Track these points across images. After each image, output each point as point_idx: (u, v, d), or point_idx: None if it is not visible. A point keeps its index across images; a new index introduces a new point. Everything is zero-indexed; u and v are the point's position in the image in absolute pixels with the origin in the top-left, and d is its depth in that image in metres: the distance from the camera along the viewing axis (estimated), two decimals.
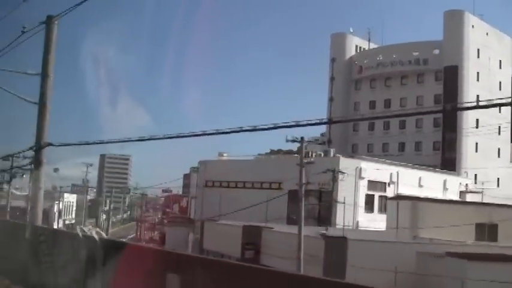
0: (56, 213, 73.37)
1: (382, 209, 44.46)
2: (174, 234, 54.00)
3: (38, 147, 12.77)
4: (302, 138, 22.72)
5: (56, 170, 59.59)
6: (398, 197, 31.26)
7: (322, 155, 44.81)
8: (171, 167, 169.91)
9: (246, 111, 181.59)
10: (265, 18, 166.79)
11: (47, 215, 69.47)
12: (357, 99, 63.65)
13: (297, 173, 41.89)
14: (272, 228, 26.78)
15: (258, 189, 46.10)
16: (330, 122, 62.46)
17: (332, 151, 45.14)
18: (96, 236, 10.60)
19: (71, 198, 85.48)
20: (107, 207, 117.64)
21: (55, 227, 70.80)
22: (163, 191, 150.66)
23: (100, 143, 12.57)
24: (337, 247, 20.30)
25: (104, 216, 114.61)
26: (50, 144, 12.82)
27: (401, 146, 59.85)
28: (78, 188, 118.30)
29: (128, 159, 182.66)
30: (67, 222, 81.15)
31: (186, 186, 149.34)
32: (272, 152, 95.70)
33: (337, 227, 35.99)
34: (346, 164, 40.62)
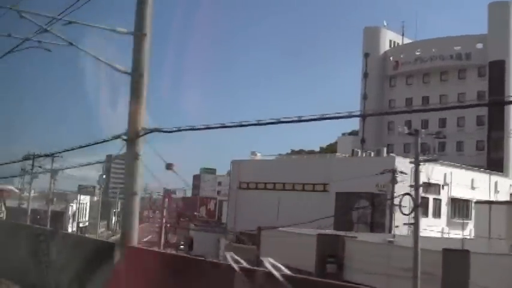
0: (70, 216, 70.06)
1: (436, 213, 41.16)
2: (202, 239, 50.68)
3: (135, 134, 9.07)
4: (417, 131, 18.89)
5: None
6: (489, 201, 27.81)
7: (372, 154, 41.46)
8: (178, 168, 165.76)
9: (255, 111, 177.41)
10: (281, 14, 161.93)
11: (61, 217, 66.18)
12: (392, 97, 60.27)
13: (345, 173, 38.81)
14: (355, 237, 23.34)
15: (300, 191, 42.75)
16: (362, 115, 59.15)
17: (384, 150, 41.73)
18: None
19: (84, 199, 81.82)
20: (118, 209, 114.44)
21: (69, 230, 67.50)
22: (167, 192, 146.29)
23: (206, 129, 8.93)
24: (458, 262, 16.87)
25: (115, 219, 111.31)
26: (157, 130, 9.12)
27: (442, 146, 56.32)
28: (85, 189, 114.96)
29: None
30: (81, 225, 77.82)
31: (195, 187, 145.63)
32: (293, 152, 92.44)
33: (395, 233, 32.58)
34: (401, 163, 37.20)
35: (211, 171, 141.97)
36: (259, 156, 49.09)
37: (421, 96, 57.85)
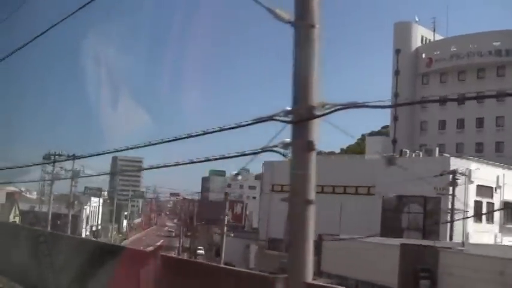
0: (84, 219, 67.09)
1: (490, 218, 38.22)
2: (231, 245, 47.62)
3: (308, 113, 5.96)
4: None
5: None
6: None
7: (421, 154, 38.49)
8: (184, 170, 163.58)
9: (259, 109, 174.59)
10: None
11: (75, 221, 63.04)
12: (425, 95, 57.31)
13: (393, 175, 35.82)
14: (450, 248, 20.38)
15: (340, 194, 39.77)
16: (393, 105, 56.01)
17: (436, 150, 38.79)
18: None
19: (97, 202, 78.73)
20: (128, 212, 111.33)
21: (82, 234, 64.51)
22: (171, 194, 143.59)
23: None
24: None
25: (126, 222, 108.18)
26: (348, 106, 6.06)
27: (479, 147, 53.55)
28: (92, 192, 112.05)
29: (140, 161, 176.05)
30: (93, 228, 74.79)
31: (205, 190, 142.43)
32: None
33: (464, 240, 29.58)
34: (455, 165, 34.27)
35: (221, 173, 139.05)
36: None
37: (457, 94, 54.91)
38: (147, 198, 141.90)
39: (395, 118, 57.31)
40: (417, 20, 59.66)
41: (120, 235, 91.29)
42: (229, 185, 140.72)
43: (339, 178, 39.22)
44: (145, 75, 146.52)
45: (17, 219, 50.71)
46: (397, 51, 58.44)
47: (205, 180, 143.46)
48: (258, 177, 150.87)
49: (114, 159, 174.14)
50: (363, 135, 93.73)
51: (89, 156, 14.09)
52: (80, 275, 10.56)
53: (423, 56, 58.18)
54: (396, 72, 58.36)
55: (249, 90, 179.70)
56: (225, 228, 45.86)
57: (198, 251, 68.16)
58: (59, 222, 44.05)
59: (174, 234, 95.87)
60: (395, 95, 57.91)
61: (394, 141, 56.68)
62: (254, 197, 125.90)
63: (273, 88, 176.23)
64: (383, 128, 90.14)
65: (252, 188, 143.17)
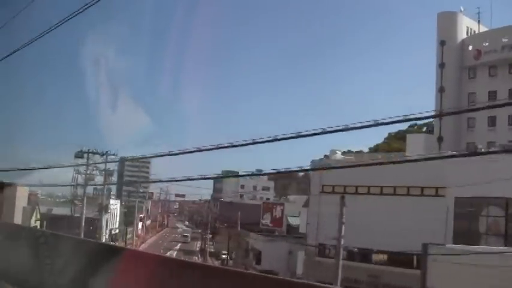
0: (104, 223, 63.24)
1: None
2: (272, 251, 43.88)
3: None
4: None
5: None
6: None
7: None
8: (193, 171, 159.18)
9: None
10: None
11: (95, 224, 59.10)
12: (472, 89, 53.66)
13: (466, 174, 32.15)
14: None
15: (403, 195, 36.02)
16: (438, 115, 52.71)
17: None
18: None
19: (115, 204, 74.77)
20: (143, 213, 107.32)
21: (103, 239, 60.65)
22: (177, 195, 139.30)
23: None
24: None
25: (141, 225, 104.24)
26: None
27: None
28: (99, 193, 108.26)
29: (148, 162, 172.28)
30: (112, 232, 70.84)
31: (217, 191, 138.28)
32: (342, 154, 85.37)
33: None
34: None
35: (234, 173, 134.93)
36: (339, 155, 42.36)
37: (508, 88, 51.22)
38: (156, 199, 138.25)
39: (439, 115, 53.51)
40: (462, 9, 55.99)
41: (136, 238, 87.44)
42: (242, 186, 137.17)
43: (401, 178, 35.48)
44: (147, 75, 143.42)
45: (38, 224, 46.81)
46: (442, 43, 54.70)
47: (217, 180, 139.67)
48: (271, 177, 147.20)
49: (121, 159, 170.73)
50: (390, 134, 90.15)
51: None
52: (80, 275, 10.36)
53: (470, 47, 54.46)
54: (441, 65, 54.62)
55: (249, 90, 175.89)
56: (251, 233, 42.06)
57: (222, 255, 64.53)
58: (91, 228, 40.18)
59: (189, 237, 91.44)
60: (441, 89, 54.22)
61: (440, 139, 52.96)
62: (268, 198, 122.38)
63: (272, 88, 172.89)
64: (410, 126, 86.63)
65: (265, 189, 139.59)
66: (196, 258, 66.65)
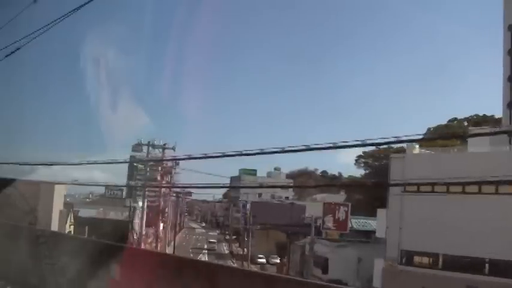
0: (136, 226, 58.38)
1: None
2: (341, 258, 38.96)
3: None
4: None
5: None
6: None
7: None
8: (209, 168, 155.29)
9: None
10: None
11: (128, 228, 54.22)
12: None
13: None
14: None
15: (508, 194, 31.17)
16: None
17: None
18: None
19: (140, 205, 69.50)
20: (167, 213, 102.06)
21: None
22: (186, 194, 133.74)
23: None
24: None
25: (162, 226, 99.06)
26: None
27: None
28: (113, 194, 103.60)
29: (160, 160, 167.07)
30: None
31: (234, 190, 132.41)
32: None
33: None
34: None
35: (252, 172, 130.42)
36: (417, 149, 37.43)
37: None
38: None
39: (510, 105, 48.71)
40: None
41: (158, 240, 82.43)
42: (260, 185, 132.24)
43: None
44: (147, 75, 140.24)
45: (72, 229, 41.83)
46: (510, 27, 49.79)
47: (234, 180, 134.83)
48: (289, 176, 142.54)
49: (132, 158, 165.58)
50: (429, 129, 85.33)
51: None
52: (81, 275, 10.33)
53: None
54: (509, 52, 49.71)
55: (249, 90, 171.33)
56: (308, 237, 37.48)
57: (259, 260, 59.57)
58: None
59: (216, 244, 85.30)
60: (510, 78, 49.32)
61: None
62: (287, 197, 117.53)
63: (270, 88, 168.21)
64: (450, 121, 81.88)
65: (284, 188, 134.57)
66: (231, 262, 61.71)
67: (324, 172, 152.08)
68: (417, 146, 37.82)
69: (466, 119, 78.57)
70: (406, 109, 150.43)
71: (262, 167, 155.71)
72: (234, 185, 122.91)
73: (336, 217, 41.13)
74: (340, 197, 71.65)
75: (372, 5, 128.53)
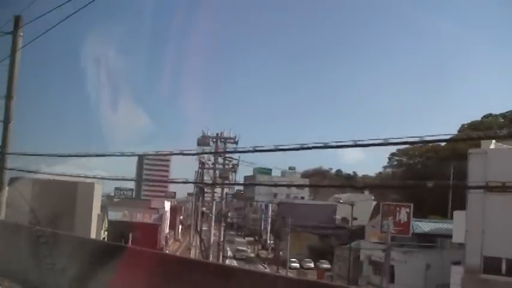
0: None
1: None
2: (408, 265, 35.25)
3: None
4: None
5: None
6: None
7: None
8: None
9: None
10: None
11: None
12: None
13: None
14: None
15: None
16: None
17: None
18: None
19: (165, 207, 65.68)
20: (186, 215, 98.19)
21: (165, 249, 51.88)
22: (189, 194, 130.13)
23: None
24: None
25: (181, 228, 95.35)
26: None
27: None
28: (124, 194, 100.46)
29: (168, 160, 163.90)
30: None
31: (249, 190, 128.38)
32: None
33: None
34: None
35: (267, 171, 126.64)
36: (492, 145, 33.69)
37: None
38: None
39: None
40: None
41: (178, 243, 78.66)
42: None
43: None
44: (147, 75, 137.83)
45: (106, 236, 37.96)
46: None
47: (248, 179, 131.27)
48: (304, 175, 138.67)
49: (141, 157, 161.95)
50: (463, 125, 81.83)
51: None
52: (81, 275, 10.45)
53: None
54: None
55: (250, 90, 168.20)
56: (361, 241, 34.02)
57: (292, 264, 55.63)
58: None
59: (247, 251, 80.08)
60: None
61: None
62: (303, 197, 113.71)
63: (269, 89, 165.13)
64: (484, 117, 78.34)
65: (300, 187, 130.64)
66: (262, 267, 57.88)
67: (339, 171, 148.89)
68: (493, 141, 34.13)
69: (501, 114, 75.10)
70: (424, 108, 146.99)
71: (276, 166, 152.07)
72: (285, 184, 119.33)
73: (398, 219, 37.45)
74: (365, 197, 68.05)
75: None
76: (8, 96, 13.08)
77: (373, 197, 68.23)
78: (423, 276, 34.88)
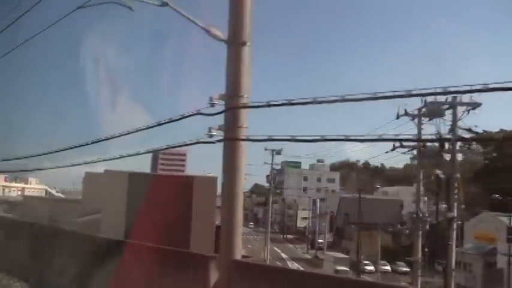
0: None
1: None
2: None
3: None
4: None
5: None
6: None
7: None
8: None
9: None
10: None
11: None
12: None
13: None
14: None
15: None
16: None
17: None
18: None
19: None
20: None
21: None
22: None
23: None
24: None
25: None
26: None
27: None
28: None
29: (184, 155, 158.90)
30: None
31: (278, 184, 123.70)
32: None
33: None
34: None
35: (296, 164, 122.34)
36: None
37: None
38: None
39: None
40: None
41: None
42: (305, 178, 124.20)
43: None
44: (147, 75, 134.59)
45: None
46: None
47: (277, 173, 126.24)
48: (333, 168, 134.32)
49: (155, 155, 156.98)
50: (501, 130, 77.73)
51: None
52: (81, 271, 10.49)
53: None
54: None
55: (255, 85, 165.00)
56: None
57: (366, 267, 51.51)
58: None
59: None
60: None
61: None
62: (333, 190, 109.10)
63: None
64: None
65: (330, 180, 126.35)
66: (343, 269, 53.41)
67: (366, 163, 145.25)
68: None
69: None
70: None
71: (303, 159, 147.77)
72: None
73: None
74: (413, 189, 64.55)
75: None
76: None
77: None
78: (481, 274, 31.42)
